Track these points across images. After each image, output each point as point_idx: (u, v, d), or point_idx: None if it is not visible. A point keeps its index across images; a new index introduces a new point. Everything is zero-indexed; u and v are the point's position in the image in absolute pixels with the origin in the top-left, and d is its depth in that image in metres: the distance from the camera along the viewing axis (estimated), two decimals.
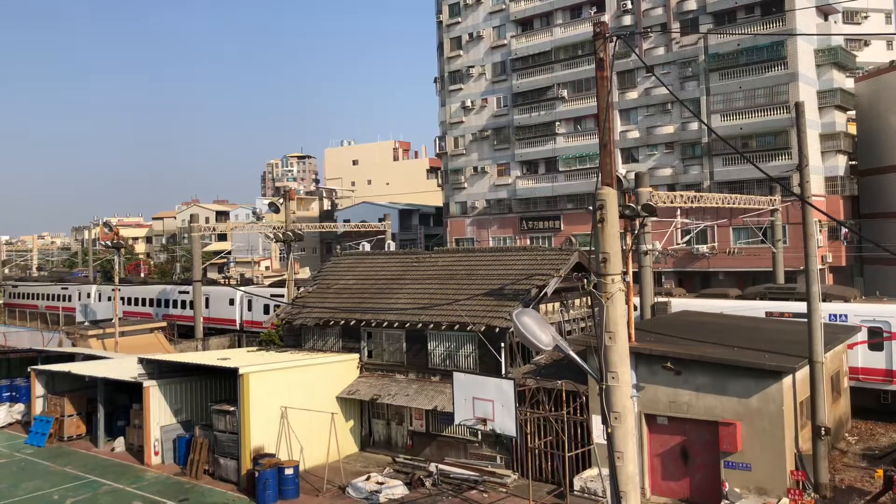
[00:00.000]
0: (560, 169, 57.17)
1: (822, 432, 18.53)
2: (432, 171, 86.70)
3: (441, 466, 21.71)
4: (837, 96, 47.94)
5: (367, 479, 20.90)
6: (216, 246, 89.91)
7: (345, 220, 72.72)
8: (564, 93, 56.76)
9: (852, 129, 50.46)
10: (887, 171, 47.94)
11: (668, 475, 19.11)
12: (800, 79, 46.08)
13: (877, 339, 25.45)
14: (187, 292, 49.44)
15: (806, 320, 18.91)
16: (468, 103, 62.68)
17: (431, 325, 22.99)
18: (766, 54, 47.17)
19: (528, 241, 56.89)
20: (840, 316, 26.08)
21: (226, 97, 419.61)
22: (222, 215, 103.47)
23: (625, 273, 16.76)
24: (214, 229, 52.21)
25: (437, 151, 67.38)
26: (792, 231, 41.98)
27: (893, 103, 47.51)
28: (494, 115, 61.51)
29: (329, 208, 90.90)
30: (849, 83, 50.54)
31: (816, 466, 18.64)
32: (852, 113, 50.42)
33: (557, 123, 57.42)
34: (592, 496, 18.57)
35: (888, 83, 48.47)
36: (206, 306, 47.86)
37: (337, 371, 24.50)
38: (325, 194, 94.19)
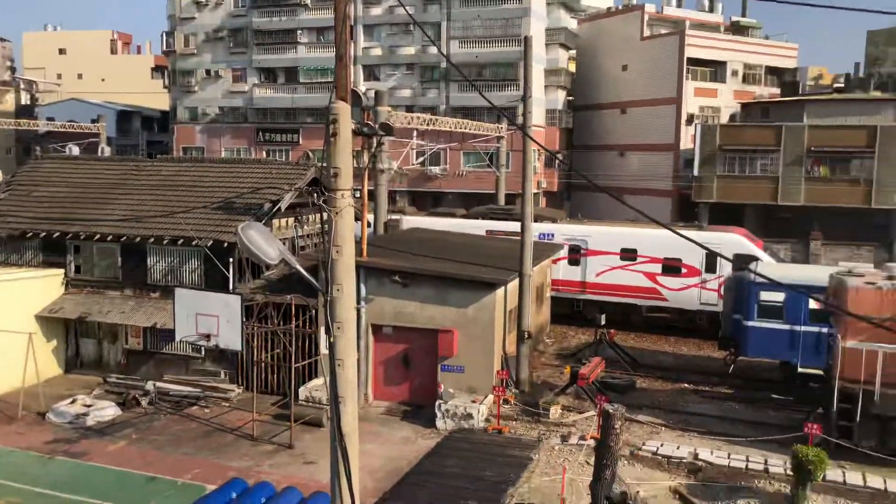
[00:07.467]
0: (301, 80, 55.32)
1: (525, 336, 20.81)
2: (158, 70, 78.86)
3: (159, 384, 20.67)
4: (562, 35, 52.01)
5: (73, 402, 19.14)
6: None
7: (48, 119, 63.53)
8: None
9: (572, 67, 55.44)
10: (597, 108, 53.84)
11: (390, 381, 20.15)
12: (532, 14, 48.98)
13: (576, 255, 28.94)
14: None
15: (519, 238, 20.75)
16: None
17: (152, 239, 21.35)
18: None
19: (264, 154, 54.83)
20: (548, 235, 29.12)
21: None
22: None
23: (356, 189, 16.78)
24: None
25: (164, 49, 61.13)
26: (514, 157, 45.48)
27: (607, 47, 52.98)
28: (231, 14, 57.11)
29: (28, 103, 78.68)
30: (573, 24, 55.07)
31: (519, 366, 20.94)
32: (573, 52, 55.26)
33: (300, 31, 55.10)
34: (317, 404, 19.00)
35: (604, 28, 53.84)
36: None
37: (36, 288, 21.81)
38: (22, 86, 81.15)
